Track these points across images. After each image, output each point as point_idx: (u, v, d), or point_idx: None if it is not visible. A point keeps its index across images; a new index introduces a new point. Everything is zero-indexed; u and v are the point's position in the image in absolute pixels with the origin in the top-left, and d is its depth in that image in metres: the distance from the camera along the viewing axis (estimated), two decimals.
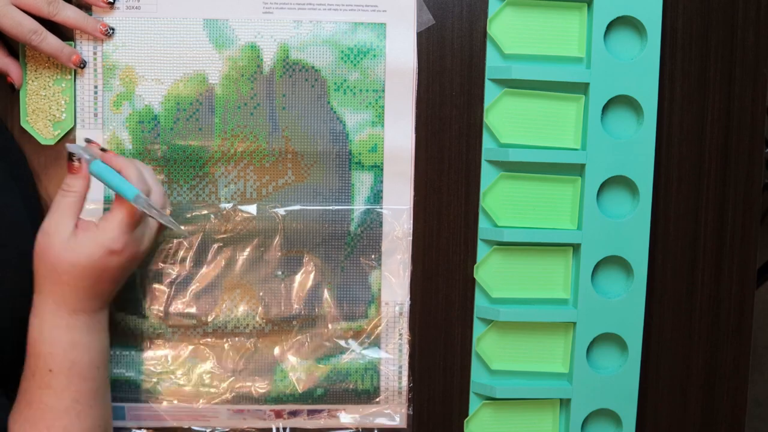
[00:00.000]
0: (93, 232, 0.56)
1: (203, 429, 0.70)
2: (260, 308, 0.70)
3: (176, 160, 0.69)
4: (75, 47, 0.66)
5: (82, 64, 0.66)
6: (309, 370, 0.71)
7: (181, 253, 0.69)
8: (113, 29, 0.67)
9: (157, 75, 0.68)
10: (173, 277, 0.69)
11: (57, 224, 0.56)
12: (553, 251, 0.70)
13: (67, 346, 0.56)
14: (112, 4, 0.66)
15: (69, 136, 0.68)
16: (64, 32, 0.65)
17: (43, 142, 0.67)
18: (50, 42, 0.63)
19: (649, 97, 0.68)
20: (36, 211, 0.65)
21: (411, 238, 0.70)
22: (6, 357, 0.58)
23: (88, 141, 0.60)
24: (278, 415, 0.71)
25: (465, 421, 0.72)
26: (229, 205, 0.69)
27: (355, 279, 0.71)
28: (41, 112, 0.67)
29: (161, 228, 0.62)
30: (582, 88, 0.68)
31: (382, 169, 0.70)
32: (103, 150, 0.59)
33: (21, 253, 0.58)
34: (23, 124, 0.66)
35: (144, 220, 0.59)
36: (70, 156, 0.57)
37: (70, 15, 0.63)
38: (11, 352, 0.58)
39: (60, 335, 0.56)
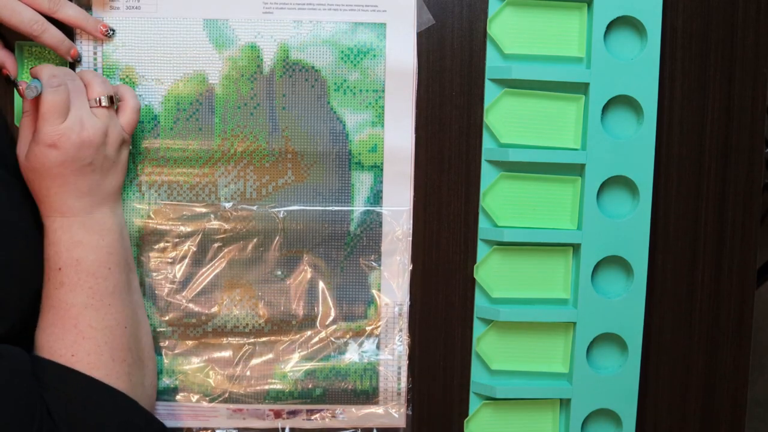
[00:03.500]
0: (31, 137, 0.60)
1: (203, 429, 0.70)
2: (260, 308, 0.70)
3: (176, 160, 0.69)
4: (75, 45, 0.66)
5: (79, 58, 0.66)
6: (308, 370, 0.71)
7: (181, 253, 0.69)
8: (113, 30, 0.67)
9: (157, 75, 0.68)
10: (173, 276, 0.69)
11: (20, 143, 0.61)
12: (553, 251, 0.70)
13: (69, 244, 0.60)
14: (109, 35, 0.67)
15: None
16: (64, 31, 0.65)
17: None
18: (51, 33, 0.63)
19: (649, 97, 0.68)
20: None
21: (411, 238, 0.70)
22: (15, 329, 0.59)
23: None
24: (278, 414, 0.71)
25: (465, 421, 0.72)
26: (229, 205, 0.69)
27: (354, 279, 0.71)
28: None
29: (124, 113, 0.64)
30: (582, 88, 0.68)
31: (382, 169, 0.70)
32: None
33: (22, 254, 0.59)
34: (17, 123, 0.66)
35: (79, 113, 0.60)
36: (15, 84, 0.64)
37: (70, 13, 0.64)
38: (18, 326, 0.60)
39: (59, 237, 0.60)
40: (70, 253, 0.60)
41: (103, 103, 0.61)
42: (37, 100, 0.59)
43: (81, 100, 0.61)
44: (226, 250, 0.69)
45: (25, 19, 0.61)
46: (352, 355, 0.71)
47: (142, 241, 0.69)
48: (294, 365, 0.70)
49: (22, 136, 0.61)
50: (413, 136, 0.70)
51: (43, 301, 0.60)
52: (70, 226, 0.60)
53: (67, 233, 0.60)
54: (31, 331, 0.60)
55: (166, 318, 0.69)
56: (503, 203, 0.70)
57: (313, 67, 0.69)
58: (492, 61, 0.69)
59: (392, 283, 0.70)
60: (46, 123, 0.58)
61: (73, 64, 0.67)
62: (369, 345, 0.71)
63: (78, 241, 0.60)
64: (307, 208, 0.70)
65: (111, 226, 0.63)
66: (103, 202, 0.62)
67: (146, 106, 0.68)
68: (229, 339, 0.70)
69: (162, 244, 0.69)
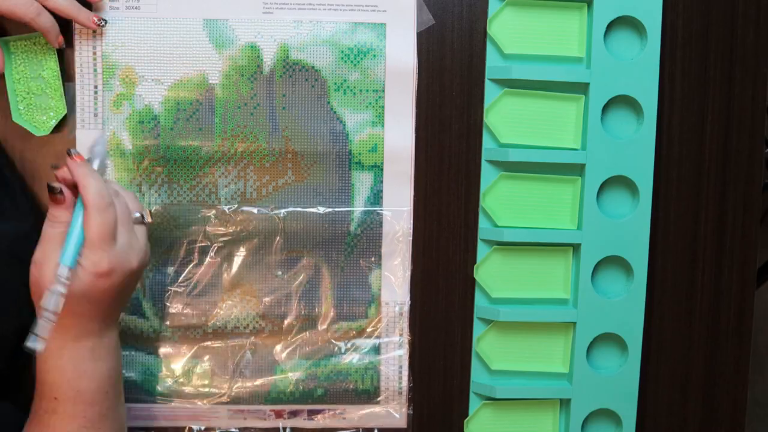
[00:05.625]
0: (57, 252, 0.54)
1: (204, 429, 0.70)
2: (260, 308, 0.70)
3: (176, 160, 0.69)
4: (74, 46, 0.66)
5: (64, 47, 0.65)
6: (309, 370, 0.71)
7: (181, 254, 0.69)
8: (105, 21, 0.66)
9: (157, 75, 0.68)
10: (173, 277, 0.69)
11: (47, 254, 0.54)
12: (553, 251, 0.70)
13: (72, 375, 0.55)
14: (101, 25, 0.66)
15: (64, 124, 0.67)
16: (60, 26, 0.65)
17: (37, 134, 0.67)
18: (46, 17, 0.61)
19: (649, 97, 0.68)
20: (29, 214, 0.65)
21: (411, 238, 0.70)
22: (4, 364, 0.58)
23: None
24: (278, 415, 0.71)
25: (465, 421, 0.72)
26: (229, 206, 0.69)
27: (355, 279, 0.71)
28: (30, 104, 0.67)
29: (149, 234, 0.60)
30: (582, 88, 0.68)
31: (382, 169, 0.70)
32: (69, 154, 0.56)
33: (21, 261, 0.58)
34: (16, 120, 0.66)
35: (128, 236, 0.56)
36: (52, 188, 0.55)
37: (61, 2, 0.62)
38: (10, 359, 0.58)
39: (64, 365, 0.55)
40: (71, 384, 0.55)
41: (146, 219, 0.58)
42: (72, 211, 0.54)
43: (126, 219, 0.56)
44: (226, 251, 0.69)
45: (20, 1, 0.60)
46: (352, 355, 0.71)
47: None
48: (295, 365, 0.70)
49: (50, 251, 0.54)
50: (413, 136, 0.70)
51: (30, 417, 0.56)
52: (78, 355, 0.55)
53: (71, 362, 0.55)
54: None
55: (167, 319, 0.69)
56: (503, 203, 0.70)
57: (313, 67, 0.69)
58: (492, 61, 0.69)
59: (392, 283, 0.70)
60: (96, 250, 0.53)
61: (63, 63, 0.67)
62: (369, 345, 0.71)
63: (83, 372, 0.56)
64: (308, 209, 0.70)
65: (115, 344, 0.59)
66: (114, 322, 0.59)
67: (146, 106, 0.68)
68: (230, 340, 0.70)
69: (162, 245, 0.69)
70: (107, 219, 0.54)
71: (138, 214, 0.58)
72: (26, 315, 0.55)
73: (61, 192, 0.55)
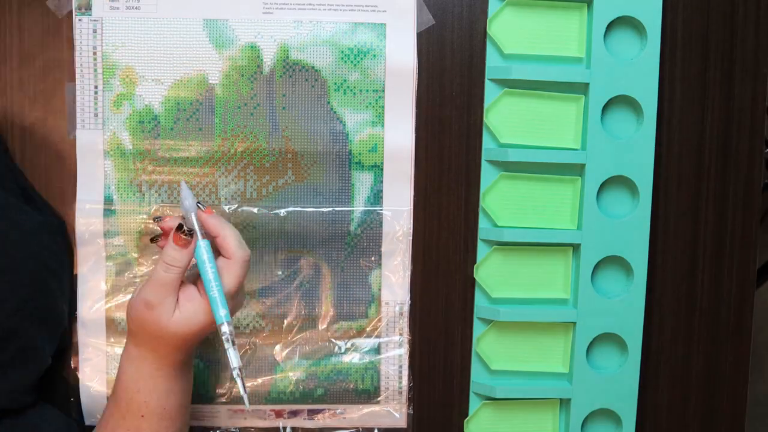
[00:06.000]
0: (199, 304, 0.55)
1: (204, 429, 0.70)
2: (260, 308, 0.70)
3: (176, 160, 0.69)
4: (74, 45, 0.67)
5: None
6: (309, 370, 0.71)
7: None
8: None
9: (157, 75, 0.68)
10: None
11: (161, 300, 0.55)
12: (553, 251, 0.70)
13: (162, 394, 0.57)
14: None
15: (65, 124, 0.68)
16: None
17: None
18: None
19: (649, 97, 0.68)
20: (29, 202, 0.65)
21: (411, 238, 0.70)
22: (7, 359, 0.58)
23: (199, 206, 0.57)
24: (278, 415, 0.71)
25: (465, 421, 0.72)
26: (229, 206, 0.69)
27: (355, 279, 0.71)
28: None
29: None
30: (582, 88, 0.68)
31: (382, 169, 0.70)
32: (200, 206, 0.57)
33: (25, 257, 0.59)
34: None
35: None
36: (180, 227, 0.55)
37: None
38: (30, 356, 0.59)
39: (157, 385, 0.57)
40: (159, 402, 0.57)
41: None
42: (191, 257, 0.55)
43: None
44: None
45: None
46: (352, 355, 0.71)
47: (142, 242, 0.69)
48: (295, 365, 0.70)
49: (163, 293, 0.55)
50: (413, 136, 0.70)
51: (107, 429, 0.58)
52: (171, 376, 0.57)
53: (165, 384, 0.57)
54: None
55: None
56: (503, 203, 0.70)
57: (313, 67, 0.69)
58: (492, 61, 0.69)
59: (392, 283, 0.70)
60: (229, 300, 0.56)
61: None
62: (369, 345, 0.71)
63: (172, 390, 0.58)
64: (308, 209, 0.70)
65: (192, 366, 0.62)
66: (195, 351, 0.62)
67: (146, 106, 0.68)
68: None
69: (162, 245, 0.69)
70: (246, 271, 0.56)
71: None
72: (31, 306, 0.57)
73: (190, 234, 0.55)
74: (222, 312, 0.54)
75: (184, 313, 0.55)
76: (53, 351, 0.63)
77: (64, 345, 0.67)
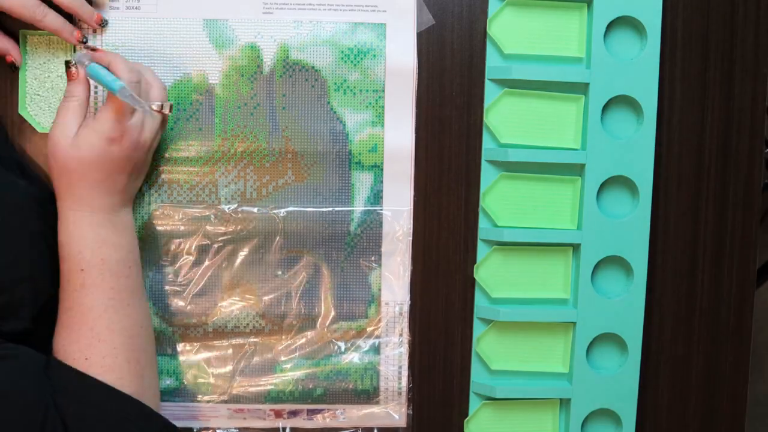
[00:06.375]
0: (91, 125, 0.58)
1: (204, 429, 0.70)
2: (260, 308, 0.70)
3: (176, 160, 0.69)
4: (74, 46, 0.67)
5: (84, 39, 0.66)
6: (309, 370, 0.71)
7: (181, 254, 0.69)
8: (107, 21, 0.67)
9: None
10: (173, 277, 0.69)
11: (62, 127, 0.59)
12: (553, 251, 0.70)
13: (94, 243, 0.58)
14: (103, 25, 0.67)
15: None
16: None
17: (40, 130, 0.67)
18: (53, 17, 0.63)
19: (649, 97, 0.68)
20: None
21: (411, 238, 0.70)
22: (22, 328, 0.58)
23: (83, 43, 0.64)
24: (278, 414, 0.71)
25: (465, 421, 0.72)
26: (229, 206, 0.69)
27: (355, 279, 0.71)
28: (40, 99, 0.67)
29: (165, 120, 0.64)
30: (582, 88, 0.68)
31: (382, 169, 0.70)
32: (93, 49, 0.63)
33: (31, 233, 0.59)
34: (21, 112, 0.66)
35: (143, 115, 0.60)
36: (68, 64, 0.60)
37: None
38: (32, 326, 0.58)
39: (85, 233, 0.58)
40: (94, 253, 0.58)
41: (165, 111, 0.62)
42: (87, 86, 0.60)
43: (146, 101, 0.61)
44: (226, 251, 0.69)
45: (28, 5, 0.61)
46: (352, 355, 0.71)
47: (143, 241, 0.69)
48: (294, 365, 0.70)
49: (65, 122, 0.59)
50: (413, 136, 0.70)
51: (60, 303, 0.59)
52: (98, 223, 0.59)
53: (93, 230, 0.59)
54: (49, 330, 0.59)
55: (167, 318, 0.69)
56: (503, 203, 0.70)
57: (313, 67, 0.69)
58: (492, 61, 0.69)
59: (392, 283, 0.70)
60: (111, 118, 0.58)
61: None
62: (369, 345, 0.71)
63: (104, 240, 0.59)
64: (308, 209, 0.70)
65: (131, 224, 0.63)
66: (128, 201, 0.63)
67: None
68: (230, 339, 0.70)
69: (162, 245, 0.69)
70: (137, 69, 0.60)
71: (159, 104, 0.61)
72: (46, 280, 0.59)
73: (75, 66, 0.60)
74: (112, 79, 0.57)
75: (81, 136, 0.58)
76: (35, 314, 0.62)
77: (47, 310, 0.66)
